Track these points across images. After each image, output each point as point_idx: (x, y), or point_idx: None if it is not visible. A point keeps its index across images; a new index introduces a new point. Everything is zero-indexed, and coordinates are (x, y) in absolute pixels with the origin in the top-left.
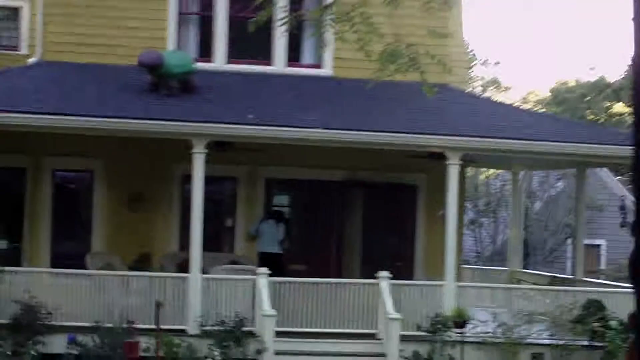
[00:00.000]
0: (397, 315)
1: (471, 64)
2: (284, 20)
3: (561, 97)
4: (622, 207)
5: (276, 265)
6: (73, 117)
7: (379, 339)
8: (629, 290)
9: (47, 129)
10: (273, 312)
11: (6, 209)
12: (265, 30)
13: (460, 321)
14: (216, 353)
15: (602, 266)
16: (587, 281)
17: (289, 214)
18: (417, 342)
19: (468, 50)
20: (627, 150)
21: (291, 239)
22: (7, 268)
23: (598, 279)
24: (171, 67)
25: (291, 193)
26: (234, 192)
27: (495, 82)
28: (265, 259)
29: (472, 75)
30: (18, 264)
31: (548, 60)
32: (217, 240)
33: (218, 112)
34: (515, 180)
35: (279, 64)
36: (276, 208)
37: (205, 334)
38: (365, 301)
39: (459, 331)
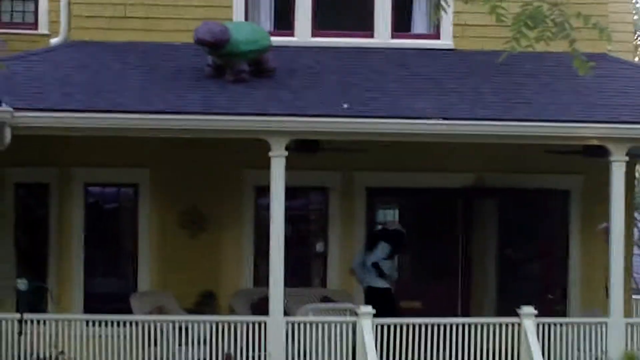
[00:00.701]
0: None
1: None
2: None
3: None
4: None
5: (384, 303)
6: (110, 115)
7: None
8: None
9: (76, 130)
10: None
11: (26, 238)
12: None
13: None
14: None
15: None
16: None
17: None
18: None
19: (635, 7)
20: None
21: (401, 265)
22: (28, 315)
23: None
24: (239, 43)
25: (400, 205)
26: (325, 207)
27: None
28: (371, 296)
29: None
30: (42, 310)
31: None
32: (303, 272)
33: (302, 101)
34: None
35: (382, 35)
36: (383, 226)
37: None
38: (503, 346)
39: None
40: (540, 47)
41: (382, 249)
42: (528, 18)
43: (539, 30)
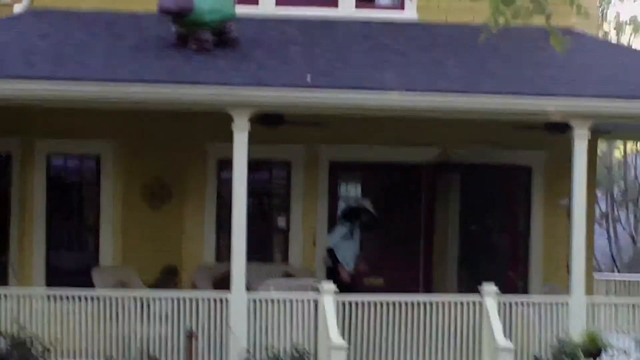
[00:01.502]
0: (508, 344)
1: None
2: None
3: None
4: None
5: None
6: (73, 83)
7: None
8: None
9: (39, 100)
10: (343, 342)
11: None
12: None
13: (594, 350)
14: None
15: None
16: None
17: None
18: None
19: None
20: None
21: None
22: None
23: None
24: (203, 13)
25: (363, 180)
26: (287, 181)
27: (635, 23)
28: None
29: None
30: (4, 284)
31: None
32: (265, 247)
33: (266, 73)
34: None
35: (346, 6)
36: (353, 204)
37: None
38: (464, 325)
39: None
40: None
41: (339, 230)
42: None
43: (516, 7)
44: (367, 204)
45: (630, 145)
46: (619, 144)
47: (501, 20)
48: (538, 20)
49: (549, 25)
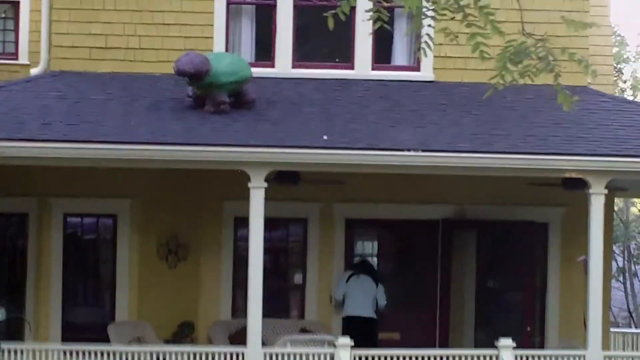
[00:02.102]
0: None
1: (619, 59)
2: (371, 12)
3: None
4: None
5: (368, 334)
6: (89, 145)
7: None
8: None
9: (55, 161)
10: None
11: (4, 268)
12: (343, 23)
13: None
14: None
15: None
16: None
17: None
18: None
19: (615, 40)
20: None
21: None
22: (5, 345)
23: None
24: (220, 74)
25: (379, 237)
26: (303, 238)
27: None
28: (354, 326)
29: (619, 73)
30: (20, 340)
31: None
32: (281, 303)
33: (282, 133)
34: None
35: (362, 67)
36: (365, 259)
37: None
38: None
39: None
40: (523, 79)
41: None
42: (513, 54)
43: (524, 66)
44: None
45: None
46: (637, 200)
47: (508, 78)
48: (548, 79)
49: (557, 83)
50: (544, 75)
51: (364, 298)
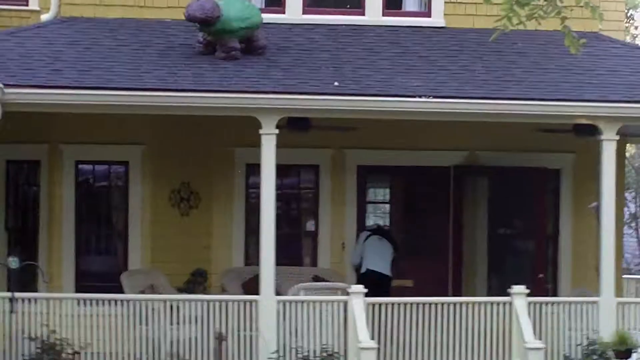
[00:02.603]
0: (538, 344)
1: (630, 5)
2: None
3: None
4: None
5: (384, 290)
6: (100, 92)
7: None
8: None
9: (67, 107)
10: (373, 343)
11: (16, 217)
12: None
13: (623, 350)
14: None
15: None
16: None
17: (390, 213)
18: None
19: None
20: None
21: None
22: (19, 294)
23: None
24: (230, 20)
25: (391, 184)
26: (315, 185)
27: None
28: (371, 281)
29: (630, 19)
30: (33, 289)
31: None
32: (294, 251)
33: (293, 79)
34: None
35: (373, 13)
36: (380, 225)
37: None
38: (494, 326)
39: None
40: (531, 25)
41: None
42: None
43: (530, 8)
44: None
45: None
46: None
47: (514, 21)
48: (557, 25)
49: (564, 26)
50: (554, 21)
51: (381, 256)
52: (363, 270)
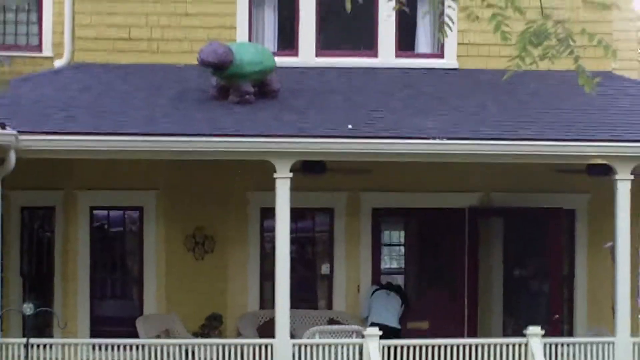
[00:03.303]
0: None
1: None
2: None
3: None
4: None
5: None
6: (115, 137)
7: None
8: None
9: (81, 153)
10: None
11: (31, 262)
12: (366, 11)
13: None
14: None
15: None
16: None
17: (405, 255)
18: None
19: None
20: None
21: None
22: (34, 340)
23: None
24: (244, 64)
25: (406, 226)
26: (330, 228)
27: None
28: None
29: None
30: (49, 334)
31: None
32: (309, 294)
33: (307, 122)
34: None
35: (386, 54)
36: (391, 282)
37: None
38: None
39: None
40: (544, 65)
41: (372, 297)
42: (532, 35)
43: (544, 48)
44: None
45: None
46: None
47: (528, 60)
48: (571, 65)
49: (578, 65)
50: (567, 61)
51: (387, 308)
52: (368, 323)
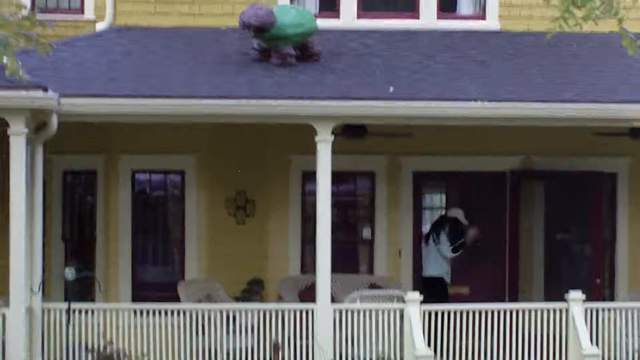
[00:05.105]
0: (595, 350)
1: None
2: None
3: None
4: None
5: (438, 293)
6: (156, 100)
7: None
8: None
9: (122, 116)
10: (429, 351)
11: (73, 227)
12: None
13: None
14: None
15: None
16: None
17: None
18: None
19: None
20: None
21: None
22: (75, 305)
23: None
24: (285, 27)
25: (447, 190)
26: (371, 192)
27: None
28: (426, 286)
29: None
30: (90, 299)
31: None
32: (350, 258)
33: (348, 85)
34: None
35: (428, 17)
36: (446, 213)
37: None
38: (551, 332)
39: None
40: (587, 27)
41: (445, 239)
42: None
43: (587, 9)
44: (460, 215)
45: None
46: None
47: (571, 22)
48: (613, 27)
49: (621, 28)
50: (610, 23)
51: (428, 259)
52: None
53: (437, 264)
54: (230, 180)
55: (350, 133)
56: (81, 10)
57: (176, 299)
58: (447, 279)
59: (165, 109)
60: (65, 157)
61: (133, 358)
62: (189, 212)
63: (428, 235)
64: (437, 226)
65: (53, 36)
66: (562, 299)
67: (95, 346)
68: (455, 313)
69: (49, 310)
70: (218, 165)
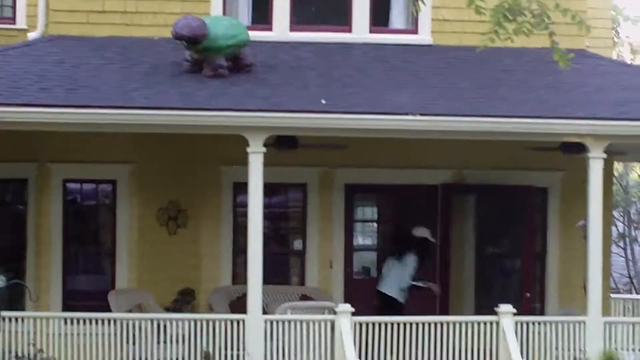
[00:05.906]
0: None
1: (616, 22)
2: None
3: None
4: None
5: (387, 312)
6: (88, 110)
7: None
8: None
9: (54, 126)
10: None
11: (3, 235)
12: None
13: None
14: None
15: None
16: None
17: (377, 231)
18: None
19: (612, 4)
20: None
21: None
22: (5, 313)
23: None
24: (217, 38)
25: (379, 202)
26: (303, 204)
27: None
28: (381, 303)
29: (617, 36)
30: (20, 308)
31: None
32: (282, 269)
33: (280, 97)
34: None
35: (360, 30)
36: (412, 231)
37: None
38: (481, 346)
39: None
40: (519, 42)
41: (412, 264)
42: (507, 10)
43: (518, 23)
44: (426, 234)
45: None
46: (636, 165)
47: (502, 35)
48: (545, 42)
49: (552, 41)
50: (542, 38)
51: (390, 274)
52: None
53: (394, 284)
54: (163, 190)
55: (282, 144)
56: (13, 20)
57: (107, 308)
58: (402, 299)
59: (97, 119)
60: None
61: None
62: (120, 221)
63: (392, 250)
64: (401, 244)
65: None
66: (492, 312)
67: (26, 354)
68: (386, 325)
69: None
70: (150, 175)
